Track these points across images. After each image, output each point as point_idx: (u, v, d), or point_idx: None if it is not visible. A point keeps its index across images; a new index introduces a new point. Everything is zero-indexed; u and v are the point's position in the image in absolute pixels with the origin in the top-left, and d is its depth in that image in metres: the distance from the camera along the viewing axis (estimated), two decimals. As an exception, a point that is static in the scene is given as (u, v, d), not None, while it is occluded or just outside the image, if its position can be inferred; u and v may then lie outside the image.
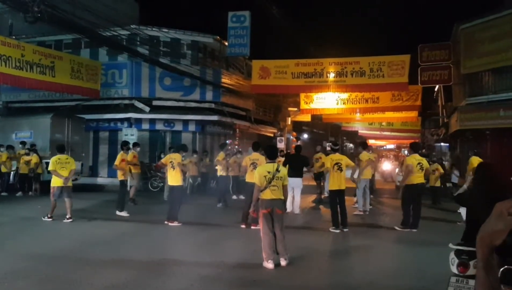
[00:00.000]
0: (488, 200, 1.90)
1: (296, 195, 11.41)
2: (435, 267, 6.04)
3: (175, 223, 9.51)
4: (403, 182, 9.72)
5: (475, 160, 10.19)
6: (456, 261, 3.56)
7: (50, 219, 9.81)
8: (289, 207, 11.16)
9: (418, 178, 9.43)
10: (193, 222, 9.98)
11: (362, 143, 12.90)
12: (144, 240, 8.39)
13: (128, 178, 11.99)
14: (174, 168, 9.76)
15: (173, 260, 6.67)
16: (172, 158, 9.87)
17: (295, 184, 11.08)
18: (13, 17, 12.57)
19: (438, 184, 14.30)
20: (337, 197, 9.40)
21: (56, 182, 9.91)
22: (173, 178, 9.85)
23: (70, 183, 10.05)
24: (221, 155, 13.27)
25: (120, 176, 11.37)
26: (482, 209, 1.86)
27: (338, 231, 9.07)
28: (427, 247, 7.88)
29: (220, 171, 13.22)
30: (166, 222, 9.58)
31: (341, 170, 9.36)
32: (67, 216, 9.77)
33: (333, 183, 9.39)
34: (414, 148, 10.23)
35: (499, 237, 1.33)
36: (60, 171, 9.85)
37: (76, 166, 11.49)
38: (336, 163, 9.34)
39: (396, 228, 9.50)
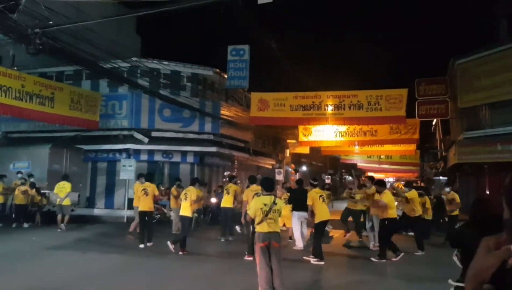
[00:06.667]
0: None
1: (304, 229, 11.22)
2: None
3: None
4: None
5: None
6: (456, 298, 3.49)
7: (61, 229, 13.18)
8: (300, 243, 11.00)
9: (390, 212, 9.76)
10: (193, 254, 9.83)
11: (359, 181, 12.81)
12: (139, 273, 8.21)
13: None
14: (186, 200, 10.16)
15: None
16: (187, 191, 10.36)
17: (304, 218, 10.82)
18: (15, 48, 12.70)
19: (429, 216, 13.98)
20: (323, 228, 9.81)
21: (57, 201, 13.77)
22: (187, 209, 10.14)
23: (66, 202, 13.66)
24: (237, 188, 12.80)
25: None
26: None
27: (322, 263, 9.03)
28: (421, 282, 7.75)
29: (225, 202, 12.44)
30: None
31: (325, 201, 9.81)
32: (62, 225, 13.26)
33: (321, 214, 9.51)
34: (380, 184, 10.48)
35: (490, 272, 1.35)
36: (59, 193, 13.68)
37: (72, 195, 14.18)
38: (321, 195, 9.73)
39: (372, 259, 9.62)
